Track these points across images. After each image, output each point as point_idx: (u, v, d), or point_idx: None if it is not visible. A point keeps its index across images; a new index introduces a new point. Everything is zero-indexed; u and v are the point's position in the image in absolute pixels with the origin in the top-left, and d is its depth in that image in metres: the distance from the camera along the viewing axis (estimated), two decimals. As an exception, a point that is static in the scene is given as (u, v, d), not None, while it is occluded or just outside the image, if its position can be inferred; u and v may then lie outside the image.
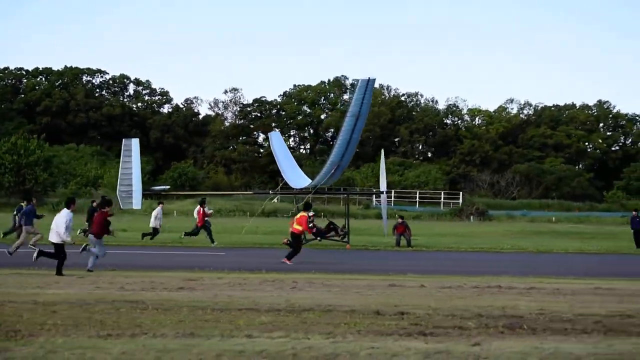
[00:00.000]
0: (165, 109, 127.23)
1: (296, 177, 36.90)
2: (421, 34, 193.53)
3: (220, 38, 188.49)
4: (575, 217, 70.56)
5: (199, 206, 34.90)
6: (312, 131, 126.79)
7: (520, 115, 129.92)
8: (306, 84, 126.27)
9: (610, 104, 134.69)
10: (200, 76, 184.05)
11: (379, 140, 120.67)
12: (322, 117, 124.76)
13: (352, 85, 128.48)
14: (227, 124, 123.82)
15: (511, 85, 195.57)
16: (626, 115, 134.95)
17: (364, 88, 27.24)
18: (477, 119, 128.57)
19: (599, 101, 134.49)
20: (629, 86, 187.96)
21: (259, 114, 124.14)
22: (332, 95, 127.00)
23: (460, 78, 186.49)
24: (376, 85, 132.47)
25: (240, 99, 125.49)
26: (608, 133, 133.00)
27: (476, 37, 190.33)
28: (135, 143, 32.39)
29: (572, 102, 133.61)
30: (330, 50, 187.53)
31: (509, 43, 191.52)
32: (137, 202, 31.99)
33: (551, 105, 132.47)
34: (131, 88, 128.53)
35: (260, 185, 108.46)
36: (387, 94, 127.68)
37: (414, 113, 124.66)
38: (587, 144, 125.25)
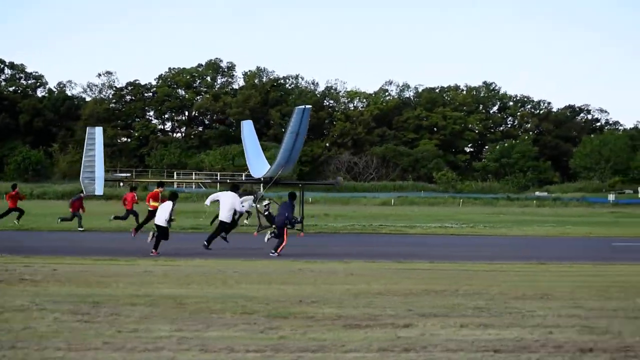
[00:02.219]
0: (40, 92, 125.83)
1: (259, 167, 37.32)
2: (298, 15, 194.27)
3: (97, 21, 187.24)
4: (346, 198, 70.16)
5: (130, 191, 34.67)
6: (187, 114, 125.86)
7: (402, 97, 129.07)
8: (182, 67, 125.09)
9: (496, 85, 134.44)
10: (76, 60, 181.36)
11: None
12: (198, 99, 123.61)
13: (229, 68, 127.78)
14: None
15: (393, 67, 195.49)
16: (515, 96, 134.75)
17: (300, 115, 29.47)
18: (355, 101, 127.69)
19: (485, 82, 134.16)
20: (515, 67, 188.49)
21: (133, 98, 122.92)
22: (208, 78, 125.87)
23: (342, 60, 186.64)
24: (252, 67, 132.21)
25: (114, 82, 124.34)
26: (499, 114, 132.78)
27: (357, 16, 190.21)
28: (98, 132, 33.30)
29: (456, 84, 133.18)
30: (207, 33, 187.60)
31: (394, 24, 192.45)
32: (99, 189, 33.20)
33: (435, 86, 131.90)
34: (6, 72, 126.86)
35: (125, 170, 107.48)
36: (265, 77, 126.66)
37: (292, 96, 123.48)
38: (464, 125, 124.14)
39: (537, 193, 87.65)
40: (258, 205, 33.96)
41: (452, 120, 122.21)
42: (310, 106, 31.72)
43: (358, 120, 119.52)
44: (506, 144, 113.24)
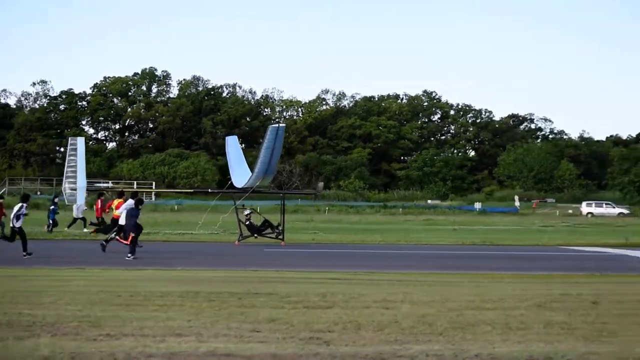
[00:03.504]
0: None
1: (241, 178, 37.75)
2: (238, 23, 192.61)
3: (32, 29, 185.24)
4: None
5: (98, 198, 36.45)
6: (122, 123, 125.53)
7: (338, 106, 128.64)
8: (117, 76, 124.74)
9: (437, 94, 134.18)
10: (10, 69, 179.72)
11: (181, 132, 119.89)
12: (134, 108, 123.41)
13: (165, 76, 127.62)
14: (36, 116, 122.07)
15: (331, 76, 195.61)
16: (457, 105, 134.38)
17: (274, 134, 31.36)
18: (291, 109, 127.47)
19: (425, 91, 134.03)
20: (459, 77, 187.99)
21: (67, 107, 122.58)
22: (143, 87, 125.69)
23: (279, 69, 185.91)
24: (188, 76, 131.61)
25: (49, 91, 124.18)
26: (439, 122, 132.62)
27: (296, 25, 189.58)
28: (80, 141, 34.29)
29: (395, 93, 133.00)
30: (144, 42, 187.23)
31: (333, 32, 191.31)
32: (81, 198, 34.28)
33: (375, 95, 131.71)
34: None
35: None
36: (201, 86, 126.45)
37: (231, 105, 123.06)
38: (399, 134, 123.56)
39: (429, 201, 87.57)
40: (239, 215, 35.27)
41: (387, 129, 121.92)
42: (284, 125, 34.31)
43: (290, 129, 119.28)
44: (430, 153, 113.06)
